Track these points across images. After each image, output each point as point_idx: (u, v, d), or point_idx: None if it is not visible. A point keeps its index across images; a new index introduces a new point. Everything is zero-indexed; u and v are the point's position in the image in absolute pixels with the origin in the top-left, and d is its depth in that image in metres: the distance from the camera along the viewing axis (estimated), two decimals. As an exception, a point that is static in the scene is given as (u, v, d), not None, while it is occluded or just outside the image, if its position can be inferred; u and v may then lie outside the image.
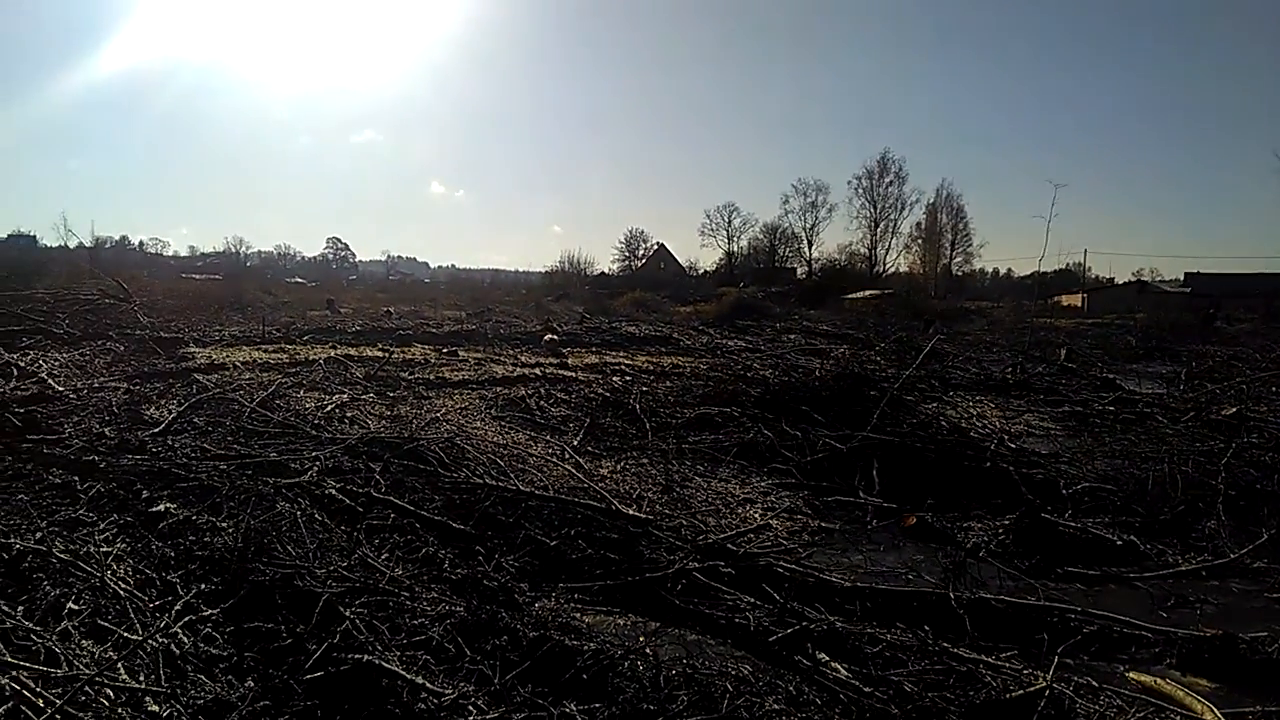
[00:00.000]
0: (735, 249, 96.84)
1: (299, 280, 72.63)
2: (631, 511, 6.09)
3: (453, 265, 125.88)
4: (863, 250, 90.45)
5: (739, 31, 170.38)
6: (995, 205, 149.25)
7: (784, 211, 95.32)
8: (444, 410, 9.68)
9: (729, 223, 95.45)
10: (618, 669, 3.66)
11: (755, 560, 5.41)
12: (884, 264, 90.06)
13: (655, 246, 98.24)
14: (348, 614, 3.81)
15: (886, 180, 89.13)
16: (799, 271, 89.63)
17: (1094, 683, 3.95)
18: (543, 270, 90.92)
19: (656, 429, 9.42)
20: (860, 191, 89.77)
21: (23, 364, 11.04)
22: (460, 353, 16.38)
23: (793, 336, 24.75)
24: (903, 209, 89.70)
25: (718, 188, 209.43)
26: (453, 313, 29.70)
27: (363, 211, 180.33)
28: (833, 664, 4.05)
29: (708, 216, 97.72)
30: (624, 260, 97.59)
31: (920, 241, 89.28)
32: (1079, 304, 64.44)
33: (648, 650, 3.89)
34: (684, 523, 6.17)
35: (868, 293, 59.88)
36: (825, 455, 8.22)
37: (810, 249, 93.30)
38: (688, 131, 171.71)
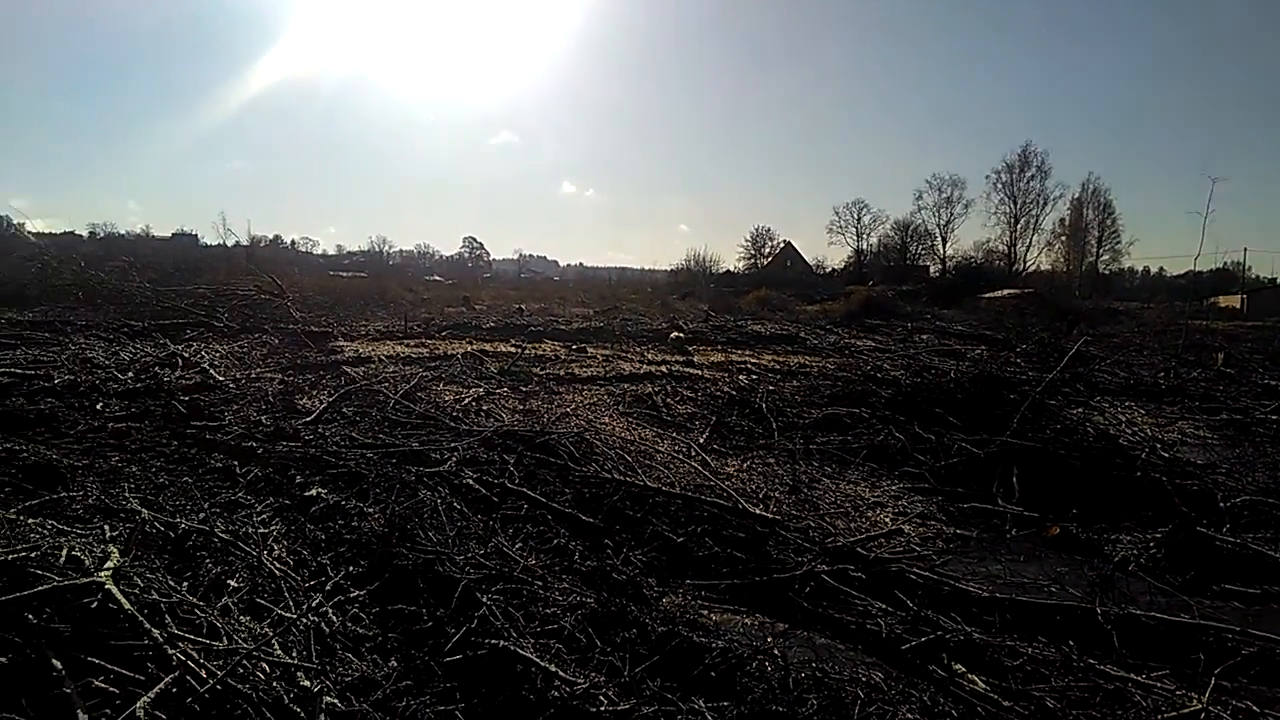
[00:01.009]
0: (864, 246, 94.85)
1: (437, 278, 75.23)
2: (758, 511, 6.07)
3: (580, 263, 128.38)
4: (1001, 247, 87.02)
5: (871, 24, 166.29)
6: (1146, 201, 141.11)
7: (917, 208, 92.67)
8: (574, 405, 9.89)
9: (858, 220, 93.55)
10: (746, 668, 3.67)
11: (886, 565, 5.30)
12: (1024, 262, 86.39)
13: (782, 244, 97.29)
14: (485, 600, 3.96)
15: (1028, 175, 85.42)
16: (932, 269, 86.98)
17: (1254, 708, 3.69)
18: (668, 268, 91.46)
19: (783, 428, 9.34)
20: (999, 186, 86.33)
21: (187, 355, 11.92)
22: (589, 349, 16.64)
23: (925, 336, 24.03)
24: (1045, 204, 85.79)
25: (847, 184, 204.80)
26: (581, 310, 30.22)
27: (497, 211, 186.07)
28: (969, 675, 3.92)
29: (836, 214, 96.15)
30: (750, 258, 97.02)
31: (1064, 238, 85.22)
32: (1238, 306, 59.93)
33: (776, 651, 3.88)
34: (812, 524, 6.10)
35: (1006, 292, 57.36)
36: (960, 460, 7.95)
37: (944, 246, 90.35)
38: (817, 128, 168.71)
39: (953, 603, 4.86)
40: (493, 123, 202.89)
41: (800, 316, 32.79)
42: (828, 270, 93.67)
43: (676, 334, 20.25)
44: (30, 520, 4.21)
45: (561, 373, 12.79)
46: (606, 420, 9.10)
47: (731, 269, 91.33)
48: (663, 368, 13.97)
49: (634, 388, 11.52)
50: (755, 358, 16.67)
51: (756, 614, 4.63)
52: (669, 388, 11.52)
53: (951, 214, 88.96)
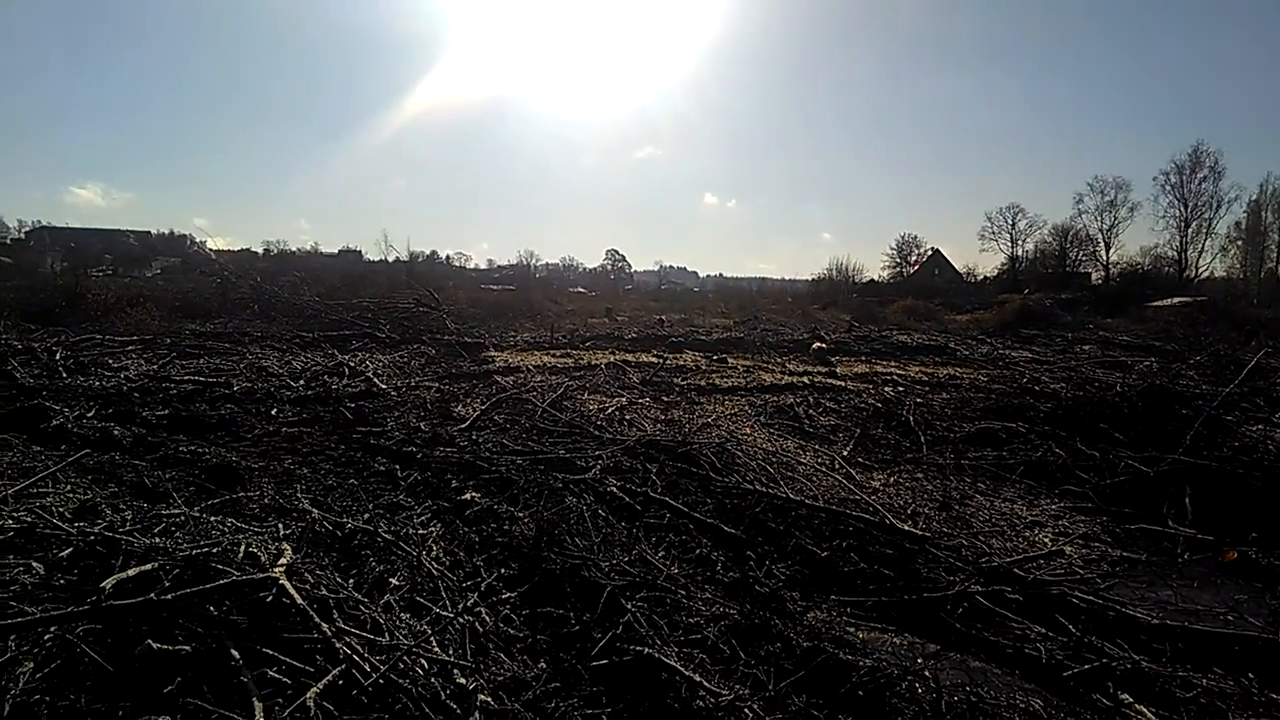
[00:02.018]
0: (1019, 253, 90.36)
1: (581, 290, 76.82)
2: (907, 527, 5.89)
3: (720, 274, 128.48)
4: (1170, 253, 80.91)
5: (1024, 20, 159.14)
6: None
7: (1077, 212, 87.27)
8: (715, 415, 9.88)
9: (1013, 225, 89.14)
10: (895, 689, 3.57)
11: (1046, 588, 5.03)
12: (1195, 268, 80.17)
13: (929, 252, 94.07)
14: (629, 607, 4.01)
15: (1199, 176, 79.06)
16: (1094, 277, 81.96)
17: None
18: (809, 278, 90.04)
19: (932, 442, 9.05)
20: (1168, 189, 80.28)
21: (353, 364, 12.66)
22: (729, 360, 16.61)
23: (1087, 347, 22.72)
24: (1219, 207, 79.17)
25: (1000, 188, 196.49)
26: (721, 321, 30.18)
27: (639, 224, 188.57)
28: (1137, 706, 3.68)
29: (988, 219, 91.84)
30: (895, 266, 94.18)
31: (1240, 243, 78.58)
32: None
33: (927, 673, 3.76)
34: (964, 543, 5.86)
35: (1176, 300, 53.45)
36: (1127, 478, 7.48)
37: (1107, 252, 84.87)
38: (967, 131, 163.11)
39: (1119, 629, 4.57)
40: (636, 137, 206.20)
41: (949, 326, 31.65)
42: (979, 278, 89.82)
43: (818, 344, 19.93)
44: (212, 518, 4.55)
45: (702, 383, 12.81)
46: (748, 431, 9.05)
47: (875, 278, 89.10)
48: (805, 379, 13.77)
49: (775, 398, 11.43)
50: (901, 369, 16.22)
51: (905, 633, 4.49)
52: (811, 399, 11.36)
53: (1115, 218, 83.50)
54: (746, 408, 10.70)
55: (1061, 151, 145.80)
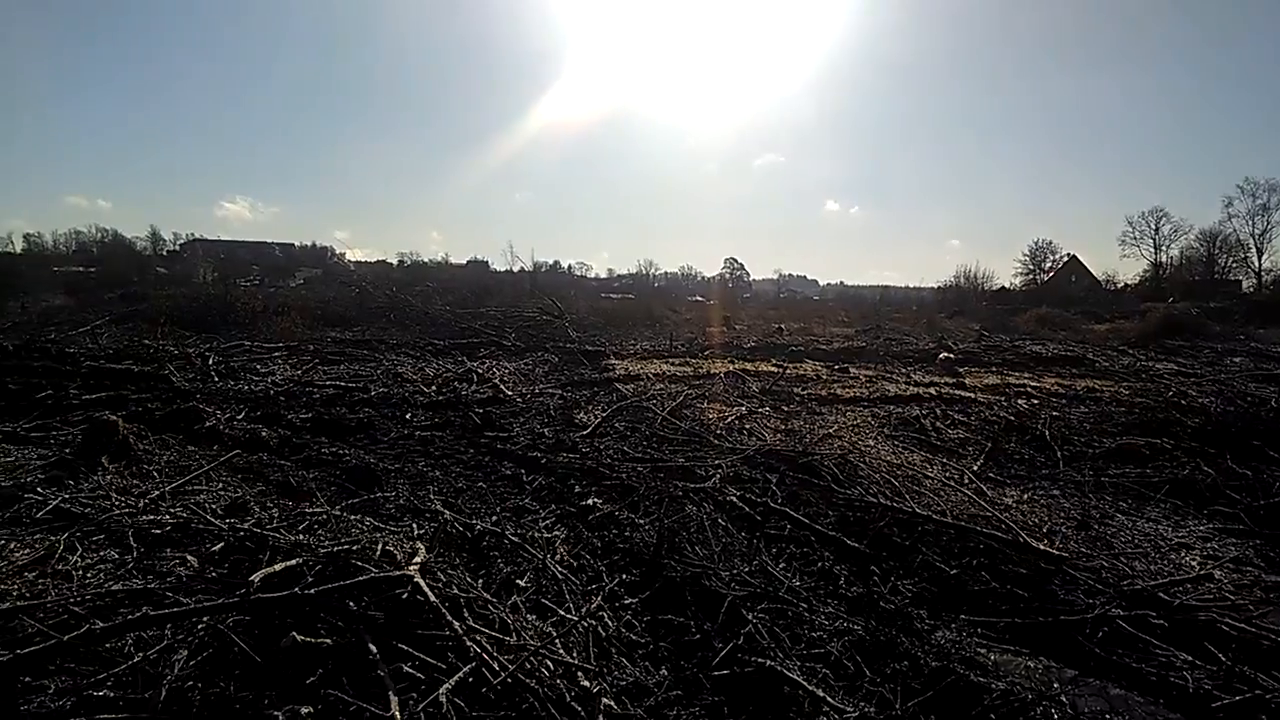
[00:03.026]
0: (1163, 259, 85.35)
1: (699, 298, 76.86)
2: (1042, 546, 5.65)
3: (841, 282, 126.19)
4: (1329, 259, 75.00)
5: (1167, 17, 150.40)
6: None
7: (1226, 216, 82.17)
8: (836, 426, 9.72)
9: (1156, 230, 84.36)
10: (1029, 713, 3.44)
11: (1193, 614, 4.73)
12: (1360, 275, 73.90)
13: (1065, 258, 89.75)
14: (750, 618, 4.00)
15: (1361, 177, 72.99)
16: (1244, 284, 76.68)
17: None
18: (935, 285, 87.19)
19: (1069, 458, 8.64)
20: (1327, 190, 74.49)
21: (481, 371, 13.06)
22: (851, 369, 16.30)
23: (1237, 359, 21.21)
24: (1388, 208, 72.99)
25: (1142, 192, 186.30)
26: (841, 330, 29.70)
27: (758, 231, 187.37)
28: (1297, 746, 3.43)
29: (1129, 224, 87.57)
30: (1027, 274, 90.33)
31: (1407, 248, 72.01)
32: None
33: (1063, 698, 3.61)
34: (1104, 564, 5.57)
35: (1340, 309, 49.36)
36: (1286, 500, 6.97)
37: (1259, 258, 79.28)
38: (1107, 132, 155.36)
39: (1274, 660, 4.26)
40: (757, 145, 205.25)
41: (1087, 336, 30.08)
42: (1119, 286, 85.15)
43: (945, 354, 19.32)
44: (352, 517, 4.78)
45: (823, 393, 12.61)
46: (871, 443, 8.87)
47: (1006, 285, 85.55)
48: (931, 389, 13.38)
49: (900, 410, 11.15)
50: (1035, 380, 15.54)
51: (1040, 656, 4.30)
52: (938, 411, 11.02)
53: (1268, 222, 77.88)
54: (870, 419, 10.48)
55: (1208, 153, 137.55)
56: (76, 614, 3.41)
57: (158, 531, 4.48)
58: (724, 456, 7.62)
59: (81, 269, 55.88)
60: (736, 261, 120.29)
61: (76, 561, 4.05)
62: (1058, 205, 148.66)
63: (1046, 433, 9.53)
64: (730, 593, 4.25)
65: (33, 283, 37.04)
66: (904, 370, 16.79)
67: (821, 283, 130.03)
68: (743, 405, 10.83)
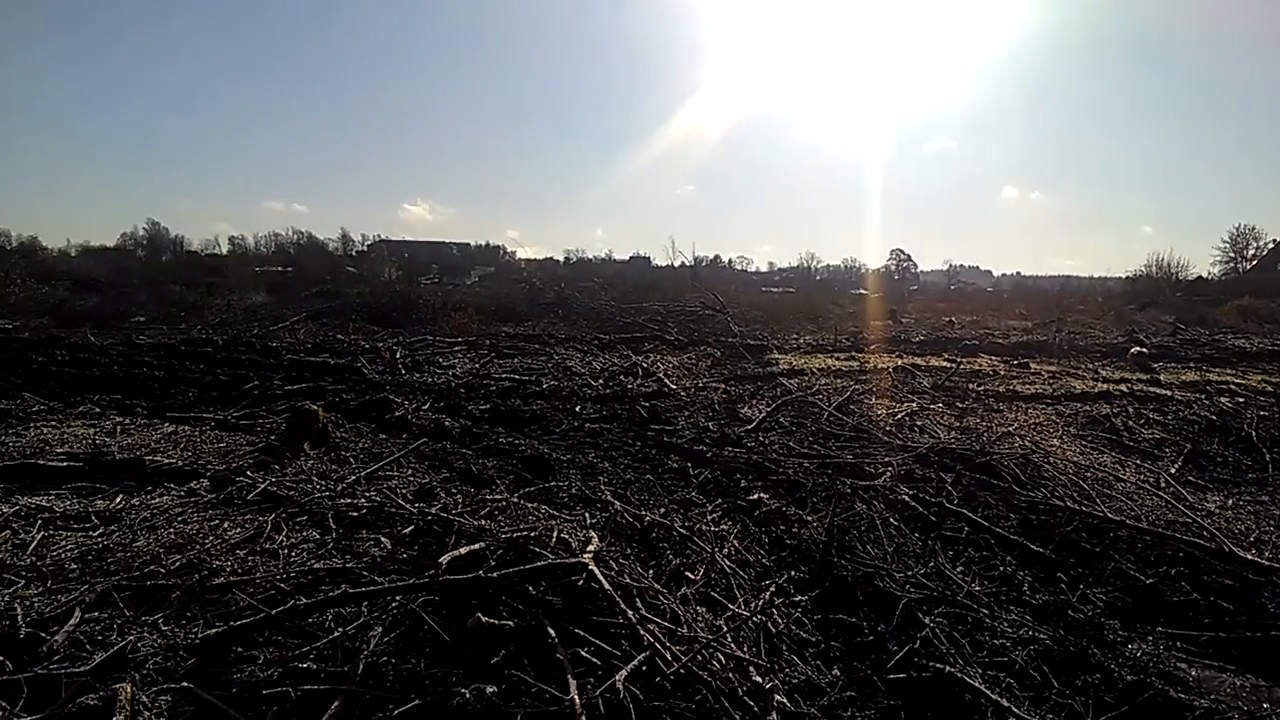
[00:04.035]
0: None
1: (863, 291, 74.96)
2: (1250, 556, 5.21)
3: (1017, 272, 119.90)
4: None
5: None
6: None
7: None
8: (1016, 424, 9.28)
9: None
10: (1237, 736, 3.17)
11: None
12: None
13: (1271, 244, 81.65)
14: (927, 621, 3.88)
15: None
16: None
17: None
18: (1123, 275, 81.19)
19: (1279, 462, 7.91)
20: None
21: (645, 365, 13.25)
22: (1031, 365, 15.49)
23: None
24: None
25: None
26: (1018, 322, 28.32)
27: (927, 221, 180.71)
28: None
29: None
30: (1228, 262, 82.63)
31: None
32: None
33: (1274, 718, 3.30)
34: (1325, 578, 5.07)
35: None
36: None
37: None
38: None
39: None
40: (927, 130, 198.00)
41: (1298, 329, 27.35)
42: (1336, 274, 76.68)
43: (1137, 348, 18.04)
44: (529, 504, 4.97)
45: (1001, 389, 12.06)
46: (1056, 442, 8.40)
47: (1204, 275, 78.61)
48: (1122, 386, 12.56)
49: (1087, 407, 10.52)
50: (1240, 377, 14.30)
51: (1247, 674, 3.97)
52: (1130, 409, 10.31)
53: None
54: (1054, 417, 9.93)
55: None
56: (282, 590, 3.71)
57: (354, 514, 4.80)
58: (894, 454, 7.43)
59: (280, 269, 60.46)
60: (903, 252, 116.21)
61: (282, 541, 4.39)
62: (1263, 189, 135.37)
63: (1253, 434, 8.76)
64: (905, 594, 4.14)
65: (237, 281, 40.51)
66: (1091, 365, 15.83)
67: (996, 273, 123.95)
68: (913, 401, 10.51)
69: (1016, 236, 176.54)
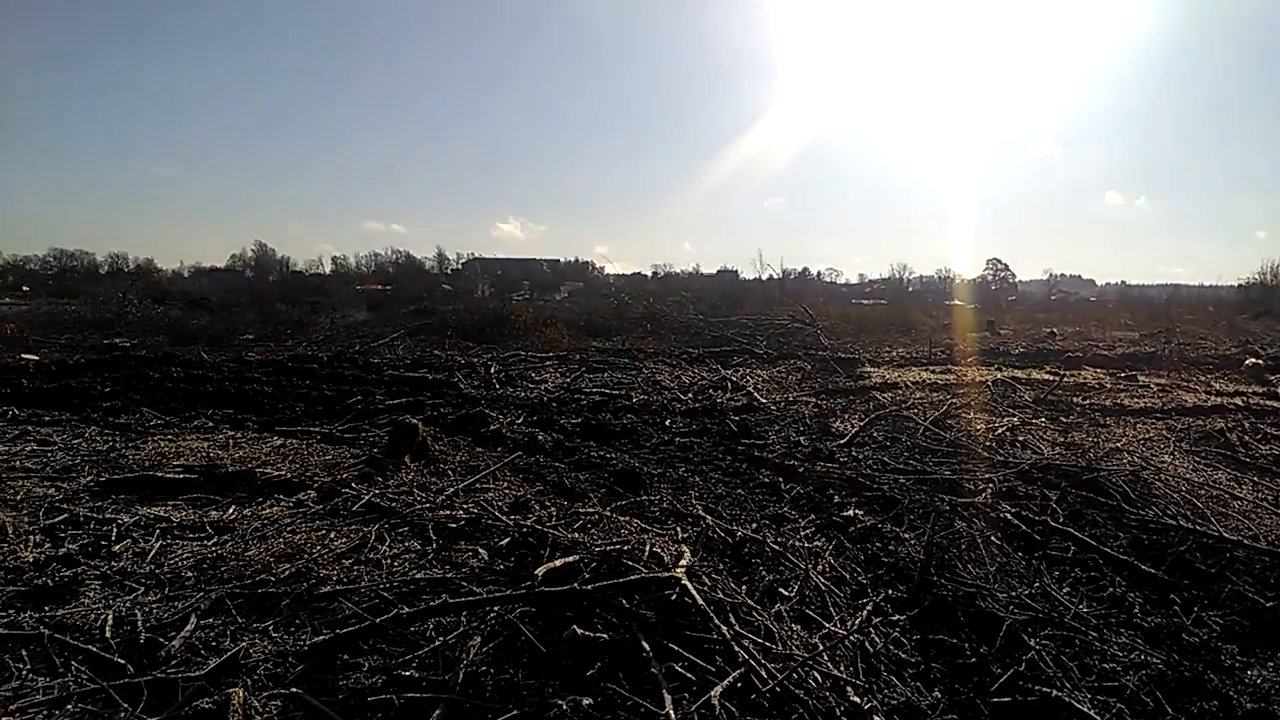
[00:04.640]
0: None
1: (958, 302, 73.12)
2: (1385, 581, 4.88)
3: (1122, 281, 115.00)
4: None
5: None
6: None
7: None
8: (1124, 440, 8.93)
9: None
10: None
11: None
12: None
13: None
14: (1032, 643, 3.76)
15: None
16: None
17: None
18: (1235, 283, 77.02)
19: None
20: None
21: (734, 379, 13.22)
22: (1139, 377, 14.87)
23: None
24: None
25: None
26: (1124, 333, 27.26)
27: (1025, 228, 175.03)
28: None
29: None
30: (1356, 266, 77.62)
31: None
32: None
33: None
34: None
35: None
36: None
37: None
38: None
39: None
40: (1026, 135, 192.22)
41: None
42: None
43: (1253, 360, 17.15)
44: (620, 518, 5.02)
45: (1107, 403, 11.62)
46: (1167, 458, 8.05)
47: (1323, 281, 73.88)
48: (1236, 400, 11.96)
49: (1200, 422, 10.07)
50: (1373, 389, 13.42)
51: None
52: (1247, 424, 9.81)
53: None
54: (1164, 432, 9.52)
55: None
56: (386, 599, 3.83)
57: (453, 525, 4.92)
58: (995, 470, 7.23)
59: (379, 287, 62.53)
60: (999, 262, 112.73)
61: (385, 551, 4.54)
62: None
63: (1391, 450, 8.21)
64: (1009, 615, 4.02)
65: (340, 300, 42.00)
66: (1202, 378, 15.12)
67: (1099, 282, 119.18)
68: (1014, 415, 10.21)
69: (1120, 244, 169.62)
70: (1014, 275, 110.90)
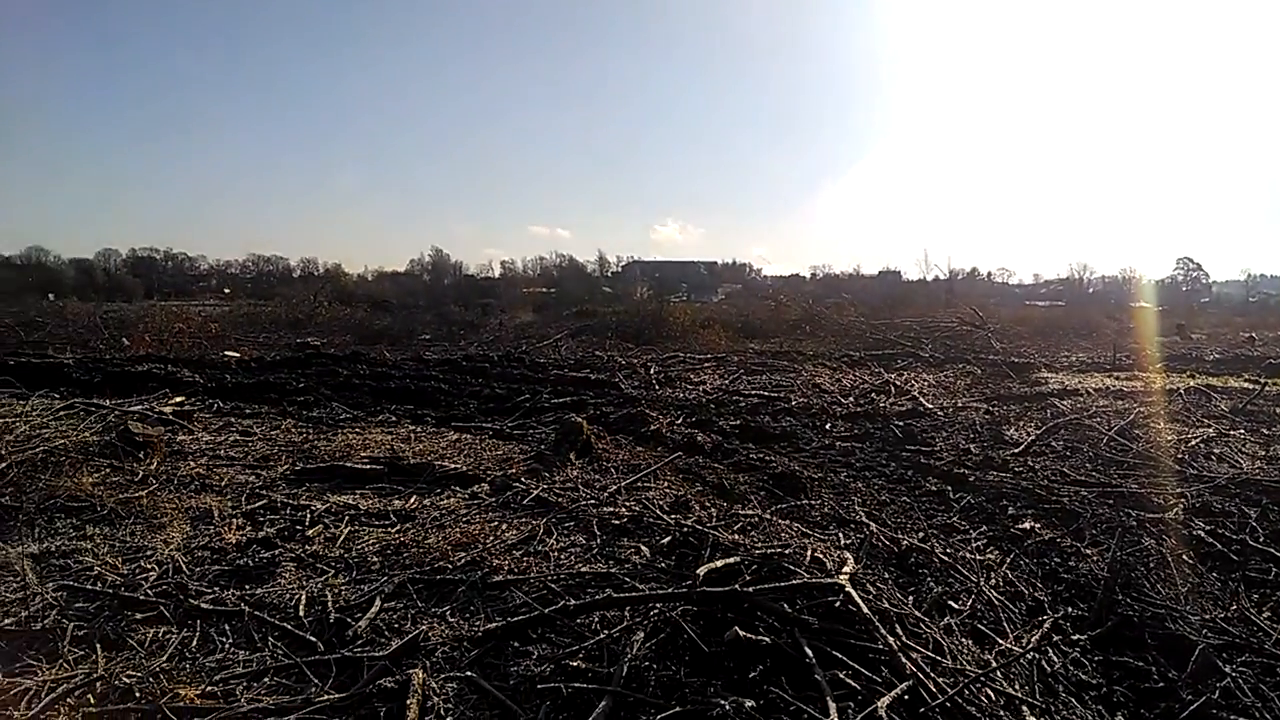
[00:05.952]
0: None
1: (1144, 304, 68.23)
2: None
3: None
4: None
5: None
6: None
7: None
8: (1343, 455, 8.09)
9: None
10: None
11: None
12: None
13: None
14: (1228, 670, 3.48)
15: None
16: None
17: None
18: None
19: None
20: None
21: (898, 383, 12.86)
22: (1357, 387, 13.45)
23: None
24: None
25: None
26: (1341, 338, 24.69)
27: (1219, 223, 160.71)
28: None
29: None
30: None
31: None
32: None
33: None
34: None
35: None
36: None
37: None
38: None
39: None
40: (1216, 114, 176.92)
41: None
42: None
43: None
44: (780, 521, 4.99)
45: (1318, 415, 10.55)
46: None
47: None
48: None
49: None
50: None
51: None
52: None
53: None
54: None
55: None
56: (553, 590, 3.97)
57: (616, 522, 5.05)
58: (1187, 484, 6.72)
59: (544, 290, 64.70)
60: (1191, 261, 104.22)
61: (552, 544, 4.70)
62: None
63: None
64: (1201, 639, 3.73)
65: (508, 302, 43.73)
66: None
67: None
68: (1209, 426, 9.45)
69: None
70: (1207, 275, 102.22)
